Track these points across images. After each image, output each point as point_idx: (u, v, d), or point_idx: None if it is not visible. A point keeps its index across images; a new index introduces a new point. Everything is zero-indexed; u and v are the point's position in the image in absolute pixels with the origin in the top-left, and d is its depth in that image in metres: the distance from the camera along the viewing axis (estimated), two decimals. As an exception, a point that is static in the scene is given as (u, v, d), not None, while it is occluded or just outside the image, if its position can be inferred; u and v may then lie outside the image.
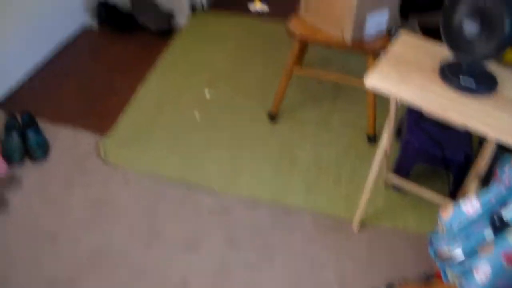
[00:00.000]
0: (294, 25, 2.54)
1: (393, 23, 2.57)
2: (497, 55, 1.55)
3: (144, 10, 3.54)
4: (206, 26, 3.68)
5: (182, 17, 3.66)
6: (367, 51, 2.46)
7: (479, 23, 1.56)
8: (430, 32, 2.63)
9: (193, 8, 3.78)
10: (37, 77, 3.16)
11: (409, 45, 1.86)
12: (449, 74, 1.68)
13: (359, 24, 2.36)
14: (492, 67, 1.73)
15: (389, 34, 2.53)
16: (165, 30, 3.53)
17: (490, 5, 1.52)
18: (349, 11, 2.29)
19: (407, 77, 1.69)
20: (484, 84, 1.65)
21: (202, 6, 3.83)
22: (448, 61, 1.74)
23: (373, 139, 2.74)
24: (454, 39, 1.63)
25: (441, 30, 1.65)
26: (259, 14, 3.82)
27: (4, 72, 2.96)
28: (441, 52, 1.79)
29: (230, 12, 3.86)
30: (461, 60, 1.65)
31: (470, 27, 1.58)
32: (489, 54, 1.57)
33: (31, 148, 2.56)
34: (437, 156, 2.29)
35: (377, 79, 1.69)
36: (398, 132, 2.63)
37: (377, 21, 2.46)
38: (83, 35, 3.56)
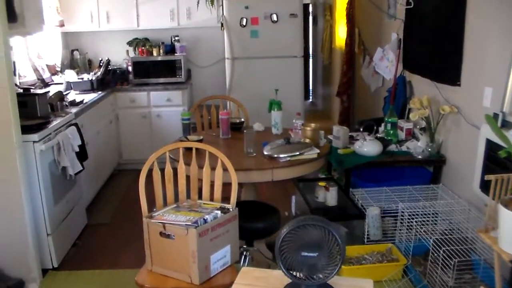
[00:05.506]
0: (142, 277, 2.65)
1: (238, 254, 2.79)
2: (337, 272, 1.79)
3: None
4: (59, 287, 3.64)
5: (33, 283, 3.61)
6: (218, 288, 2.62)
7: (316, 251, 1.79)
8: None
9: (44, 271, 3.76)
10: None
11: (250, 277, 2.04)
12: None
13: (204, 266, 2.55)
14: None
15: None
16: (14, 300, 3.43)
17: (321, 234, 1.77)
18: (192, 258, 2.48)
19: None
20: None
21: (53, 266, 3.82)
22: (288, 286, 1.90)
23: None
24: (294, 270, 1.83)
25: (280, 265, 1.84)
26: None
27: None
28: (280, 277, 1.93)
29: (83, 267, 3.89)
30: (300, 285, 1.84)
31: (309, 257, 1.80)
32: (331, 274, 1.79)
33: None
34: None
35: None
36: None
37: (221, 258, 2.67)
38: None
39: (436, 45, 4.14)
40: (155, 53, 6.23)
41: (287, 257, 1.82)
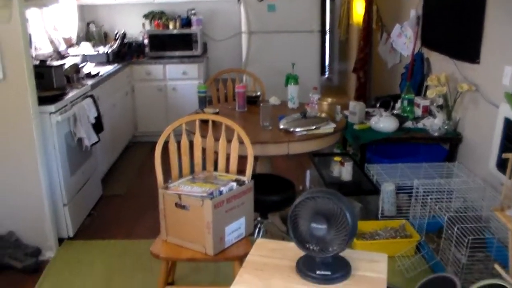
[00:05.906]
0: (157, 248, 2.68)
1: (252, 226, 2.80)
2: (346, 246, 1.78)
3: (8, 249, 3.51)
4: (75, 256, 3.68)
5: (49, 251, 3.67)
6: (231, 259, 2.63)
7: (325, 224, 1.79)
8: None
9: (60, 240, 3.81)
10: None
11: (265, 249, 2.05)
12: (306, 270, 1.85)
13: (219, 237, 2.57)
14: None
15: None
16: (32, 267, 3.48)
17: (330, 206, 1.77)
18: (207, 229, 2.50)
19: (268, 281, 1.83)
20: (340, 271, 1.84)
21: (69, 235, 3.88)
22: (302, 258, 1.91)
23: None
24: (305, 242, 1.84)
25: (291, 235, 1.85)
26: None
27: None
28: (295, 249, 1.93)
29: (98, 237, 3.94)
30: (315, 257, 1.85)
31: (317, 229, 1.80)
32: (339, 248, 1.79)
33: None
34: None
35: (241, 289, 1.82)
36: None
37: (236, 230, 2.68)
38: None
39: (456, 22, 4.08)
40: (171, 26, 6.20)
41: (298, 227, 1.82)
